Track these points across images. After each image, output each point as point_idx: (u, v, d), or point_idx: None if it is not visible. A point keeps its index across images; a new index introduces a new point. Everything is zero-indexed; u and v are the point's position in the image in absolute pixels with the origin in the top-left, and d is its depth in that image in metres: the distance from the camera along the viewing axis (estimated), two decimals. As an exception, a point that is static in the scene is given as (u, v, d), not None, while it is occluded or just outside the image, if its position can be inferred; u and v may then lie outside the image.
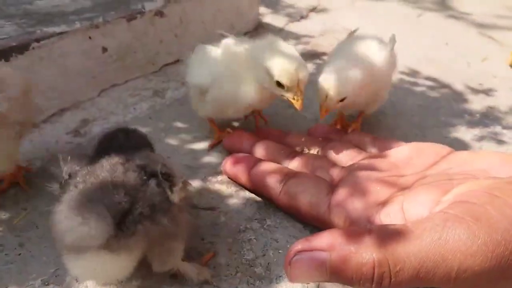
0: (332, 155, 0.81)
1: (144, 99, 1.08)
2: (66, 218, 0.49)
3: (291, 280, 0.50)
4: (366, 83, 0.82)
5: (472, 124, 1.07)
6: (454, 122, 1.07)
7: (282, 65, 0.74)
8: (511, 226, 0.45)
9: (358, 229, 0.52)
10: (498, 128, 1.06)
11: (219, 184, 0.82)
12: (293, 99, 0.76)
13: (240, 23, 1.45)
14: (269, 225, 0.73)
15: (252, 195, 0.79)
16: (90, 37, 1.01)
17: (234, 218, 0.74)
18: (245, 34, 1.45)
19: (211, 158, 0.89)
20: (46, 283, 0.61)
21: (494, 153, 0.67)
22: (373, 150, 0.83)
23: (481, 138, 1.02)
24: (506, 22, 1.81)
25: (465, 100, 1.19)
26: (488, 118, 1.11)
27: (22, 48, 0.89)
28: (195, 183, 0.81)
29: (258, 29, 1.54)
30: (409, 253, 0.46)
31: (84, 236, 0.47)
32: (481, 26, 1.76)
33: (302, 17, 1.74)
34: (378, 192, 0.65)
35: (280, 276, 0.64)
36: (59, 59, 0.97)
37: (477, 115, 1.12)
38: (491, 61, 1.44)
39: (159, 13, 1.16)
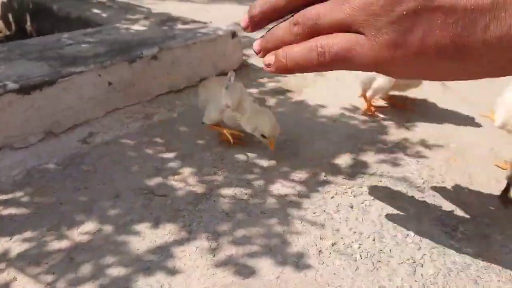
0: None
1: (136, 120, 1.46)
2: None
3: None
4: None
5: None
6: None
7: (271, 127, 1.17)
8: None
9: None
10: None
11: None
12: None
13: (224, 63, 1.83)
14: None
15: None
16: (99, 75, 1.42)
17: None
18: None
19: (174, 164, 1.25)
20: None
21: None
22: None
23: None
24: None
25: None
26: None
27: (51, 82, 1.31)
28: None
29: (241, 68, 1.92)
30: None
31: None
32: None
33: (282, 59, 2.10)
34: None
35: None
36: (78, 89, 1.38)
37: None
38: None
39: (154, 57, 1.56)
